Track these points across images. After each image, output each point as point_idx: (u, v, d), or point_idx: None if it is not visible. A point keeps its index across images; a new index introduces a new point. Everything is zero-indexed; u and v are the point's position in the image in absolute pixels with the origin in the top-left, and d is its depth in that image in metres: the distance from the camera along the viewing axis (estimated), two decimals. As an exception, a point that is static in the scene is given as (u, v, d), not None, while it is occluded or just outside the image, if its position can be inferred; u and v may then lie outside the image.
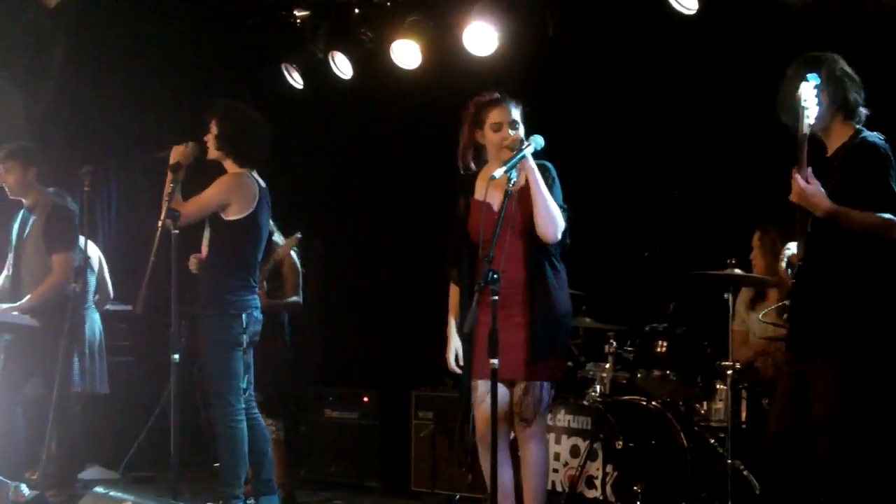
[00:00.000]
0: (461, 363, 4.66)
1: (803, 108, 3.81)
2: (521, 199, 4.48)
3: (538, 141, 4.44)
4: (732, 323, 5.32)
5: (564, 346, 4.68)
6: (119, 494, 4.44)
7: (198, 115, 5.38)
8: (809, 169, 3.86)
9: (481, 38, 6.82)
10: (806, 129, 3.83)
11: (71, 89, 7.71)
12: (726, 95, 6.22)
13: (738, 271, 5.35)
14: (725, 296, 5.25)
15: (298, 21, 7.75)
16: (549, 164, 4.60)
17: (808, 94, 3.82)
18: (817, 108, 3.83)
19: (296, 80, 7.91)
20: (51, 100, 7.61)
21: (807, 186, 3.83)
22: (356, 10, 7.47)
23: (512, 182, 4.24)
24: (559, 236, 4.49)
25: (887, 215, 3.82)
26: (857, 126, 4.01)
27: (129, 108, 8.16)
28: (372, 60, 7.54)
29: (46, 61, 7.57)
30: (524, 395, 4.50)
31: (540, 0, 6.86)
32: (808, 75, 3.86)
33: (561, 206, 4.52)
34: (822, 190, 3.84)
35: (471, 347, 4.54)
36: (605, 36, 6.95)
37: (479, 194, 4.65)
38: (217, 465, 5.45)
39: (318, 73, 7.80)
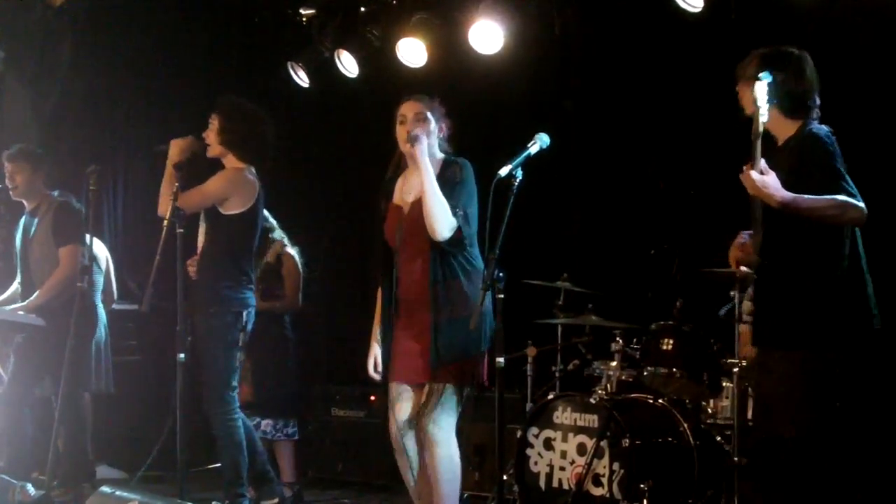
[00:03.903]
0: (379, 369, 4.73)
1: (758, 106, 3.87)
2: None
3: (543, 139, 4.40)
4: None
5: (477, 347, 4.47)
6: (125, 494, 4.44)
7: (205, 113, 5.38)
8: (763, 162, 3.89)
9: (487, 36, 6.81)
10: (761, 128, 3.88)
11: (78, 88, 7.72)
12: (732, 94, 6.19)
13: (745, 269, 5.32)
14: (732, 293, 5.23)
15: (304, 20, 7.77)
16: (464, 162, 4.56)
17: (762, 92, 3.88)
18: (767, 105, 3.88)
19: (302, 78, 7.91)
20: (58, 99, 7.62)
21: (761, 178, 3.86)
22: (362, 9, 7.48)
23: (517, 180, 4.19)
24: (446, 234, 4.41)
25: (841, 197, 3.84)
26: (806, 120, 4.05)
27: (137, 107, 8.18)
28: (378, 59, 7.54)
29: (54, 60, 7.59)
30: (427, 397, 4.52)
31: (546, -2, 6.87)
32: (761, 74, 3.91)
33: (456, 207, 4.42)
34: (777, 181, 3.86)
35: (388, 351, 4.61)
36: (612, 34, 6.95)
37: (396, 197, 4.70)
38: (218, 464, 5.44)
39: (324, 71, 7.80)
